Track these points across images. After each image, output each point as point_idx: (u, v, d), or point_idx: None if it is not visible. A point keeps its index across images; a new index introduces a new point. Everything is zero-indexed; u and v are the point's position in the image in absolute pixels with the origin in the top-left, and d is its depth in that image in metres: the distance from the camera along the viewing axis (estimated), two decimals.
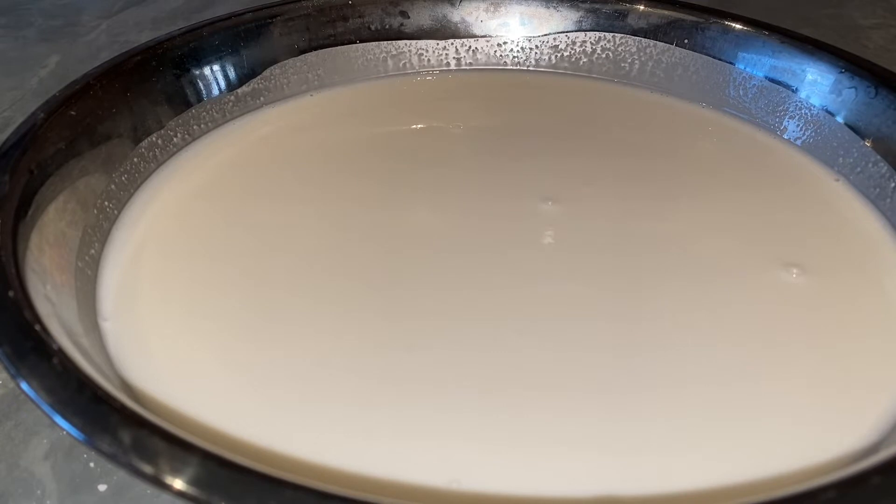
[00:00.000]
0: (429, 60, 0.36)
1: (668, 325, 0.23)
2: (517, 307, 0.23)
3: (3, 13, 0.46)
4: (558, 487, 0.18)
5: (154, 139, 0.28)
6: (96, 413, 0.15)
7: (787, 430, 0.20)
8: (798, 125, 0.31)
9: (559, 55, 0.36)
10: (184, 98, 0.30)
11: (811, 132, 0.31)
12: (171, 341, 0.22)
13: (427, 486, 0.18)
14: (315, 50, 0.34)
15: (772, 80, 0.32)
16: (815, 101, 0.30)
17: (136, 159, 0.27)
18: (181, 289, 0.23)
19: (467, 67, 0.36)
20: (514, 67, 0.36)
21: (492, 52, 0.36)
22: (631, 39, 0.34)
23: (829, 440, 0.19)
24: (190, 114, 0.30)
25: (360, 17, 0.34)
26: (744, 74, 0.32)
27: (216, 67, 0.31)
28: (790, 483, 0.18)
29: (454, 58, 0.36)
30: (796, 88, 0.31)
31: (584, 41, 0.35)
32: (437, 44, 0.35)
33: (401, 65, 0.35)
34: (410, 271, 0.24)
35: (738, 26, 0.32)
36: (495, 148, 0.31)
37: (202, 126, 0.31)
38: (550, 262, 0.25)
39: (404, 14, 0.35)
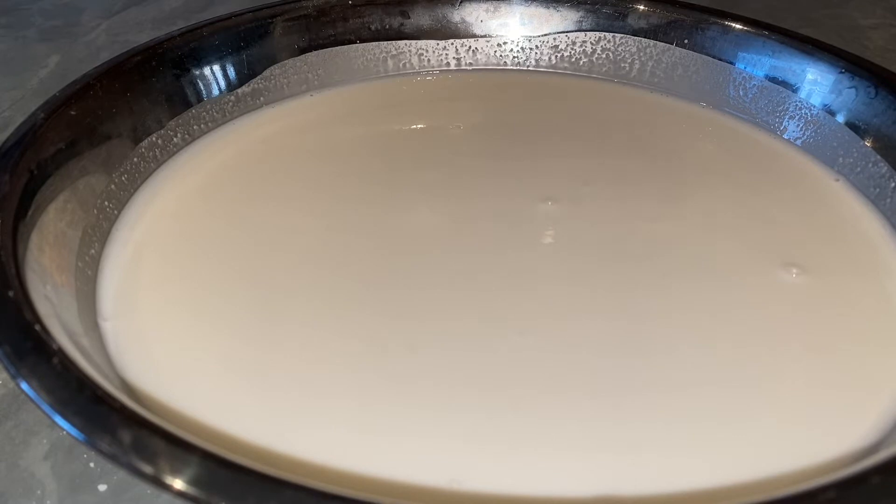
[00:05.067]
0: (429, 60, 0.36)
1: (668, 325, 0.23)
2: (517, 307, 0.23)
3: (3, 13, 0.46)
4: (558, 487, 0.18)
5: (154, 139, 0.28)
6: (96, 413, 0.15)
7: (788, 430, 0.20)
8: (798, 125, 0.31)
9: (559, 55, 0.36)
10: (184, 98, 0.30)
11: (811, 132, 0.31)
12: (171, 341, 0.22)
13: (427, 485, 0.18)
14: (315, 50, 0.34)
15: (772, 80, 0.32)
16: (815, 101, 0.30)
17: (136, 159, 0.27)
18: (181, 289, 0.23)
19: (467, 67, 0.36)
20: (514, 67, 0.36)
21: (492, 52, 0.36)
22: (631, 39, 0.34)
23: (829, 440, 0.19)
24: (190, 114, 0.30)
25: (360, 17, 0.34)
26: (744, 74, 0.32)
27: (216, 67, 0.31)
28: (790, 483, 0.18)
29: (454, 58, 0.36)
30: (796, 88, 0.31)
31: (584, 41, 0.35)
32: (437, 44, 0.35)
33: (401, 65, 0.35)
34: (411, 271, 0.24)
35: (738, 26, 0.32)
36: (495, 148, 0.31)
37: (202, 126, 0.31)
38: (550, 262, 0.25)
39: (404, 14, 0.35)
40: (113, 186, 0.26)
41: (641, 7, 0.34)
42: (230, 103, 0.32)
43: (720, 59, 0.33)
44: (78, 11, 0.47)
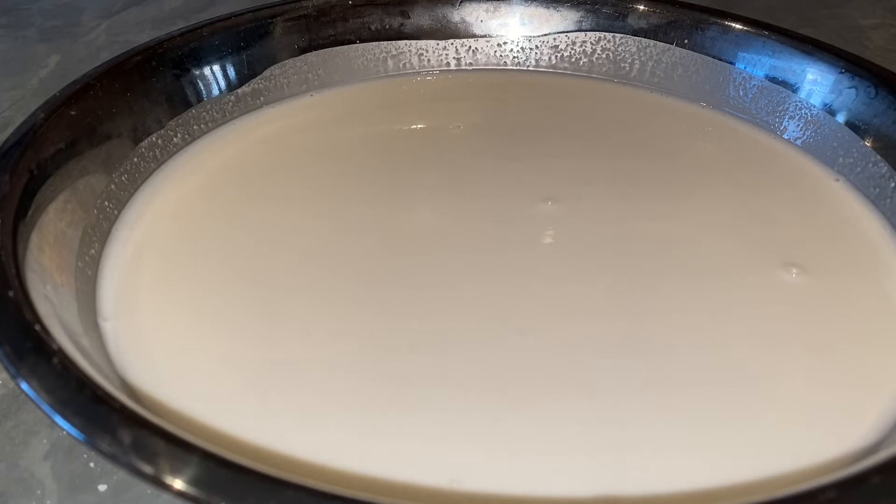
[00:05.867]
0: (429, 60, 0.36)
1: (668, 325, 0.23)
2: (517, 307, 0.23)
3: (3, 13, 0.46)
4: (558, 487, 0.18)
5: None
6: (96, 413, 0.15)
7: (788, 430, 0.20)
8: (798, 125, 0.31)
9: (559, 55, 0.36)
10: (184, 98, 0.30)
11: (811, 132, 0.31)
12: (171, 341, 0.22)
13: (427, 486, 0.18)
14: (315, 50, 0.34)
15: (772, 80, 0.32)
16: (815, 101, 0.30)
17: (136, 159, 0.27)
18: (181, 289, 0.23)
19: (467, 67, 0.36)
20: (514, 67, 0.36)
21: (492, 52, 0.36)
22: (631, 39, 0.34)
23: (829, 440, 0.19)
24: (190, 114, 0.30)
25: (360, 17, 0.34)
26: (744, 74, 0.32)
27: (216, 67, 0.31)
28: (790, 483, 0.18)
29: (454, 58, 0.36)
30: (796, 88, 0.31)
31: (584, 41, 0.35)
32: (437, 44, 0.35)
33: (401, 65, 0.35)
34: (411, 271, 0.24)
35: (738, 26, 0.32)
36: (495, 148, 0.31)
37: (202, 126, 0.31)
38: (550, 262, 0.25)
39: (404, 14, 0.35)
40: (113, 186, 0.26)
41: (641, 7, 0.34)
42: (230, 103, 0.32)
43: (720, 59, 0.33)
44: (78, 11, 0.47)
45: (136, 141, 0.28)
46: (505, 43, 0.36)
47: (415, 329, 0.22)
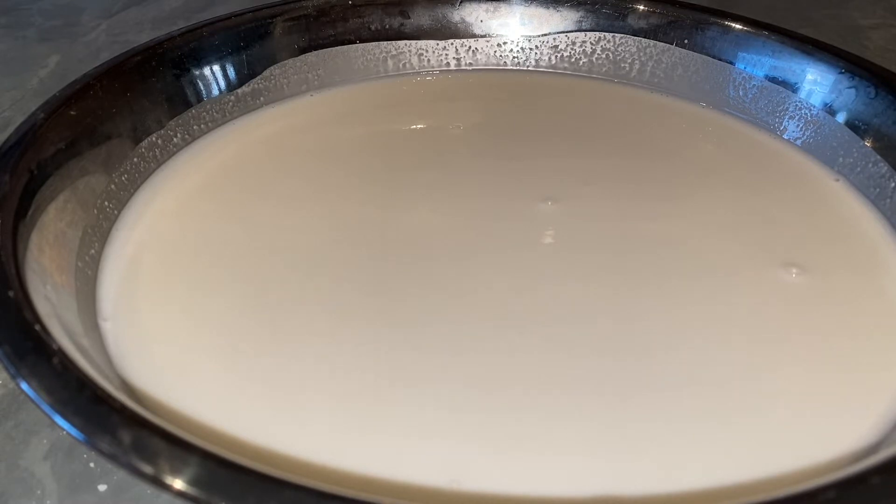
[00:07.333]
0: (429, 60, 0.36)
1: (668, 325, 0.23)
2: (517, 307, 0.23)
3: (3, 13, 0.46)
4: (558, 487, 0.18)
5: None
6: (96, 413, 0.15)
7: (787, 429, 0.20)
8: (798, 125, 0.31)
9: (559, 55, 0.36)
10: (184, 98, 0.30)
11: (811, 132, 0.31)
12: (171, 341, 0.22)
13: (427, 485, 0.18)
14: (315, 50, 0.34)
15: (772, 80, 0.32)
16: (815, 101, 0.30)
17: (136, 159, 0.27)
18: (181, 289, 0.23)
19: (467, 67, 0.36)
20: (514, 67, 0.36)
21: (492, 52, 0.36)
22: (631, 39, 0.34)
23: (829, 440, 0.19)
24: (190, 114, 0.30)
25: (360, 17, 0.34)
26: (744, 74, 0.32)
27: (216, 67, 0.31)
28: (790, 483, 0.18)
29: (454, 58, 0.36)
30: (796, 88, 0.31)
31: (584, 41, 0.35)
32: (437, 44, 0.35)
33: (401, 65, 0.35)
34: (410, 271, 0.24)
35: (738, 26, 0.32)
36: (495, 148, 0.31)
37: (202, 126, 0.31)
38: (550, 262, 0.25)
39: (404, 14, 0.35)
40: (113, 186, 0.26)
41: (641, 7, 0.34)
42: (230, 103, 0.32)
43: (720, 59, 0.33)
44: (78, 11, 0.47)
45: (136, 141, 0.28)
46: (505, 43, 0.36)
47: (414, 329, 0.22)
